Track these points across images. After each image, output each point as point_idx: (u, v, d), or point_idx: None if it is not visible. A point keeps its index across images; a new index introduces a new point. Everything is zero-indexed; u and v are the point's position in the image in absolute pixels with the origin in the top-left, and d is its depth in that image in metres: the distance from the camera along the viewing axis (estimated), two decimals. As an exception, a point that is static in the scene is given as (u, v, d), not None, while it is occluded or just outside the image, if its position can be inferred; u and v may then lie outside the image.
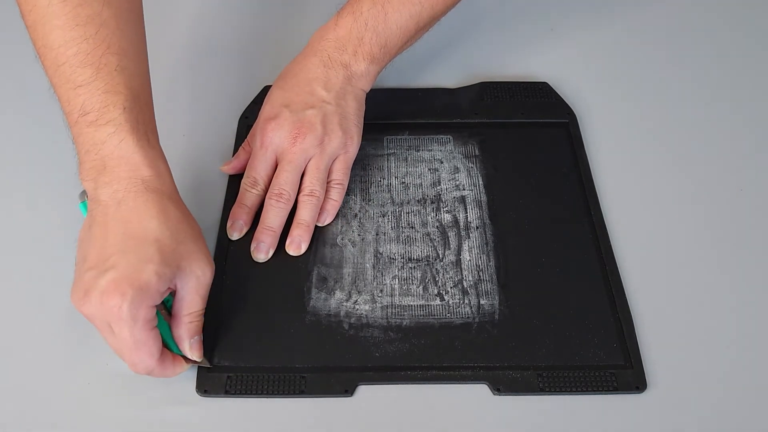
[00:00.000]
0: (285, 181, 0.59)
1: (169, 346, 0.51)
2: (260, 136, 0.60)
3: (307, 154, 0.59)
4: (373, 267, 0.58)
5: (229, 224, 0.60)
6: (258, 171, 0.60)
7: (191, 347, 0.51)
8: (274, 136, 0.59)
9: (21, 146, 0.67)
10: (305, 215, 0.59)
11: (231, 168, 0.63)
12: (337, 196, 0.61)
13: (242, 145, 0.64)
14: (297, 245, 0.59)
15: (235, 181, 0.63)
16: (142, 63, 0.54)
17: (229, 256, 0.59)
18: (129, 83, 0.51)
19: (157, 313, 0.50)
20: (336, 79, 0.61)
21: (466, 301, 0.56)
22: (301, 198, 0.59)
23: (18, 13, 0.53)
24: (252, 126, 0.64)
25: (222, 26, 0.79)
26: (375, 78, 0.63)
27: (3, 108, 0.70)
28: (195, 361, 0.52)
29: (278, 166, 0.60)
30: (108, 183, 0.49)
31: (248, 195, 0.60)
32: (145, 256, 0.47)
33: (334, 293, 0.57)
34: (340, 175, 0.61)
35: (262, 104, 0.62)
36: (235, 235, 0.59)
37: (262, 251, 0.58)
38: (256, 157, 0.60)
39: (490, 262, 0.59)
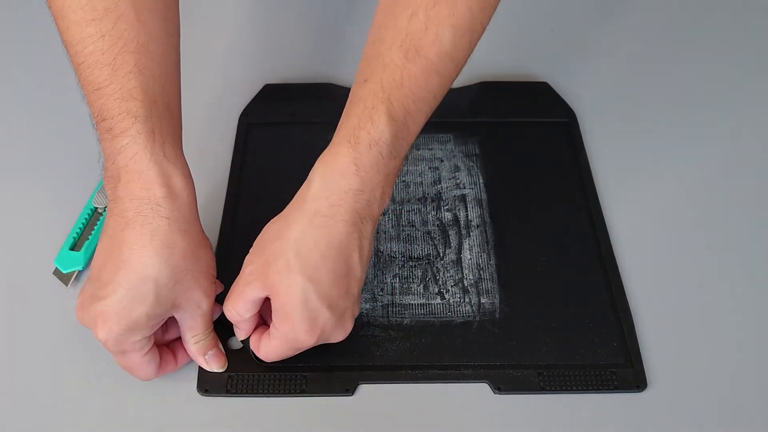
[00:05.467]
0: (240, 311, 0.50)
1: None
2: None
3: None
4: (374, 265, 0.58)
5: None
6: (240, 309, 0.50)
7: (208, 362, 0.52)
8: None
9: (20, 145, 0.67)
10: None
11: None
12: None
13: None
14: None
15: (235, 180, 0.63)
16: (165, 59, 0.49)
17: (231, 258, 0.58)
18: (146, 86, 0.47)
19: None
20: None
21: (467, 300, 0.56)
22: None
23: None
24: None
25: (222, 23, 0.78)
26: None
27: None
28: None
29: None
30: (121, 198, 0.47)
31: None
32: (139, 295, 0.46)
33: (335, 292, 0.57)
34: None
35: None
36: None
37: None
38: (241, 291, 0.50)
39: (490, 260, 0.59)
